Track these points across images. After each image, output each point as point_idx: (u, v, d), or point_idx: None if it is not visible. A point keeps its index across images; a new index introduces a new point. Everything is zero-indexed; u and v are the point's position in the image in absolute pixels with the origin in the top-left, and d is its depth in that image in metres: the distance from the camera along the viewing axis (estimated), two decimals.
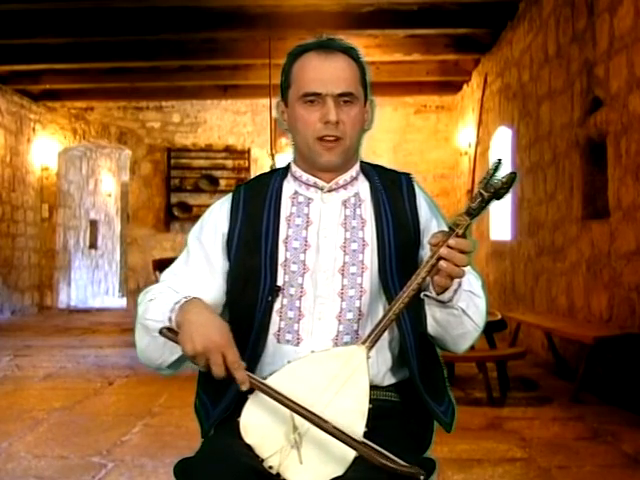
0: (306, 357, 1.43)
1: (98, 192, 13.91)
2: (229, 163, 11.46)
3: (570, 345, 5.61)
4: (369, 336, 1.39)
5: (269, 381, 1.38)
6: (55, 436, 4.06)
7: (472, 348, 1.65)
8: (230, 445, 1.39)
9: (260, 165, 10.87)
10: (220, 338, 1.36)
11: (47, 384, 5.64)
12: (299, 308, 1.54)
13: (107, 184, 14.34)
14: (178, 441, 3.79)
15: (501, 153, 8.14)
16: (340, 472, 1.34)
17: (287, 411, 1.35)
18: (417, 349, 1.55)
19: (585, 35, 5.45)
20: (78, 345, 7.74)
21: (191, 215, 10.95)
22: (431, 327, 1.54)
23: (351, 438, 1.31)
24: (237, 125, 11.51)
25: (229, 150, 11.47)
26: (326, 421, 1.31)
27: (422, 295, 1.47)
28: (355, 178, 1.63)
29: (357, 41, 1.62)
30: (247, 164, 11.35)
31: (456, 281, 1.42)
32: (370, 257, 1.56)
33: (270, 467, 1.35)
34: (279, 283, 1.54)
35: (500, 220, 8.33)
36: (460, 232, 1.35)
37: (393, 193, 1.62)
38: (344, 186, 1.61)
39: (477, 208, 1.36)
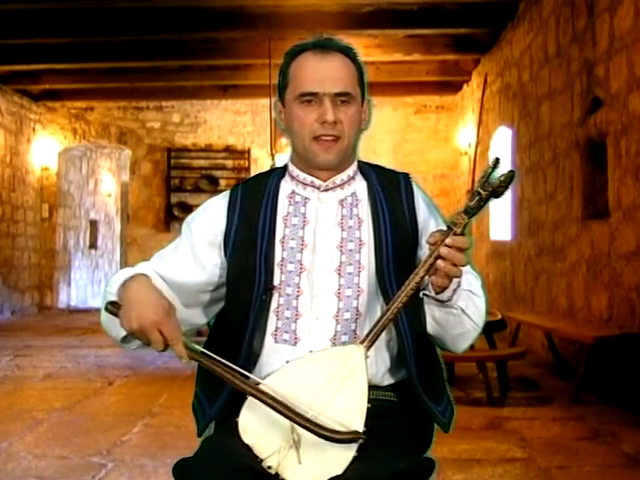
0: (304, 357, 1.43)
1: (98, 192, 13.91)
2: (229, 163, 11.46)
3: (570, 345, 5.61)
4: (367, 335, 1.39)
5: (268, 381, 1.38)
6: (55, 436, 4.06)
7: (472, 348, 1.65)
8: (229, 445, 1.39)
9: (260, 165, 10.87)
10: (154, 315, 1.37)
11: (47, 384, 5.64)
12: (296, 308, 1.54)
13: (107, 184, 14.34)
14: (178, 441, 3.79)
15: (501, 153, 8.13)
16: (339, 472, 1.34)
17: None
18: (415, 349, 1.55)
19: (585, 35, 5.45)
20: (78, 345, 7.73)
21: None
22: (430, 326, 1.54)
23: (288, 408, 1.32)
24: (237, 125, 11.51)
25: (229, 150, 11.47)
26: (263, 392, 1.34)
27: (421, 294, 1.47)
28: (352, 178, 1.63)
29: (357, 41, 1.63)
30: (247, 164, 11.36)
31: (455, 280, 1.42)
32: (367, 257, 1.56)
33: (269, 467, 1.35)
34: (276, 283, 1.54)
35: (500, 220, 8.33)
36: (458, 231, 1.35)
37: (391, 193, 1.62)
38: (341, 185, 1.61)
39: (475, 207, 1.35)
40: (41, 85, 10.22)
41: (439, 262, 1.35)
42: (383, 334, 1.42)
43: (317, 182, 1.60)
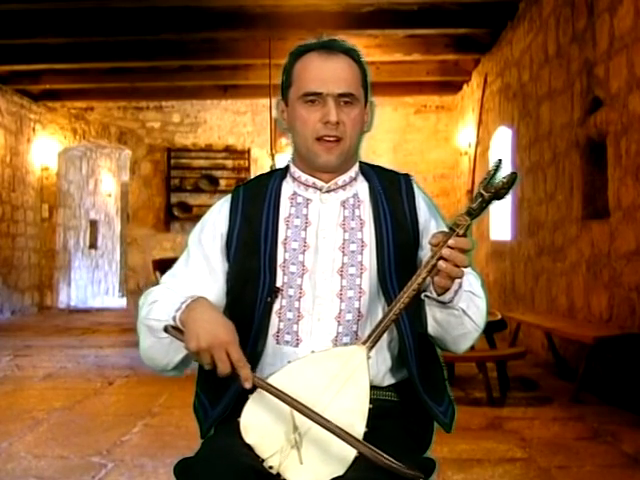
0: (306, 357, 1.44)
1: (98, 192, 13.91)
2: (229, 163, 11.46)
3: (570, 345, 5.61)
4: (370, 336, 1.40)
5: (269, 381, 1.38)
6: (55, 436, 4.06)
7: (472, 348, 1.65)
8: (230, 445, 1.39)
9: (260, 165, 10.87)
10: (225, 335, 1.37)
11: (47, 384, 5.64)
12: (298, 309, 1.54)
13: (107, 184, 14.34)
14: (178, 441, 3.79)
15: (501, 153, 8.14)
16: (340, 472, 1.34)
17: (287, 411, 1.35)
18: (416, 350, 1.55)
19: (585, 35, 5.45)
20: (78, 345, 7.73)
21: (191, 215, 10.95)
22: (431, 327, 1.54)
23: (357, 440, 1.31)
24: (237, 125, 11.51)
25: (229, 150, 11.47)
26: (330, 422, 1.31)
27: (422, 296, 1.47)
28: (354, 179, 1.63)
29: (357, 41, 1.63)
30: (247, 164, 11.35)
31: (457, 282, 1.42)
32: (369, 258, 1.56)
33: (270, 467, 1.35)
34: (278, 284, 1.54)
35: (500, 220, 8.33)
36: (460, 232, 1.35)
37: (392, 194, 1.62)
38: (343, 187, 1.61)
39: (477, 208, 1.36)
40: (41, 85, 10.21)
41: (441, 263, 1.35)
42: (385, 335, 1.43)
43: (319, 183, 1.60)
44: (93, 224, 13.63)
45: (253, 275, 1.55)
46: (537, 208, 6.79)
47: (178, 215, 11.28)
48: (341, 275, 1.55)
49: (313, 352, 1.45)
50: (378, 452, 1.31)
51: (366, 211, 1.60)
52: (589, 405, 4.71)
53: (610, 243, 5.02)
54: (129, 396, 5.19)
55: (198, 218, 1.71)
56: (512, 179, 1.35)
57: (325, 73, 1.53)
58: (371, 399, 1.38)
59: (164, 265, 5.90)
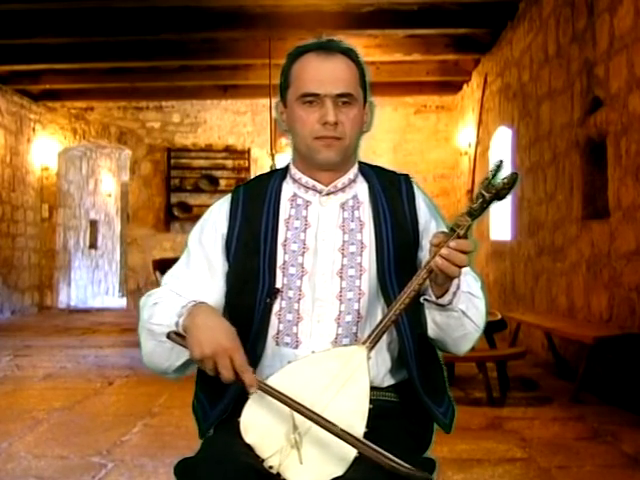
0: (306, 357, 1.44)
1: (98, 192, 13.91)
2: (229, 163, 11.46)
3: (570, 345, 5.61)
4: (370, 336, 1.40)
5: (269, 381, 1.38)
6: (55, 436, 4.06)
7: (472, 349, 1.65)
8: (230, 445, 1.39)
9: (260, 165, 10.88)
10: (228, 342, 1.37)
11: (47, 384, 5.64)
12: (298, 311, 1.54)
13: (107, 184, 14.34)
14: (178, 441, 3.79)
15: (501, 153, 8.14)
16: (340, 472, 1.34)
17: (287, 411, 1.35)
18: (416, 351, 1.55)
19: (585, 35, 5.45)
20: (78, 345, 7.73)
21: (191, 215, 10.95)
22: (431, 330, 1.54)
23: (366, 444, 1.31)
24: (237, 125, 11.51)
25: (229, 150, 11.47)
26: (338, 427, 1.32)
27: (422, 300, 1.47)
28: (353, 180, 1.63)
29: (357, 41, 1.63)
30: (247, 164, 11.35)
31: (455, 283, 1.42)
32: (368, 259, 1.56)
33: (270, 467, 1.36)
34: (278, 285, 1.54)
35: (500, 220, 8.33)
36: (462, 233, 1.35)
37: (392, 194, 1.62)
38: (342, 189, 1.61)
39: (478, 209, 1.36)
40: (41, 85, 10.22)
41: (438, 259, 1.34)
42: (385, 336, 1.43)
43: (319, 186, 1.60)
44: (93, 224, 13.63)
45: (253, 276, 1.55)
46: (537, 208, 6.79)
47: (178, 215, 11.28)
48: (341, 277, 1.55)
49: (313, 352, 1.45)
50: (385, 454, 1.31)
51: (366, 212, 1.60)
52: (589, 405, 4.71)
53: (610, 243, 5.02)
54: (129, 396, 5.19)
55: (198, 218, 1.71)
56: (513, 179, 1.35)
57: (323, 74, 1.53)
58: (371, 399, 1.38)
59: (164, 265, 5.90)
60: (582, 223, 5.57)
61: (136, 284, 11.47)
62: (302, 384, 1.37)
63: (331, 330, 1.53)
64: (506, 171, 1.37)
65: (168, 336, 1.42)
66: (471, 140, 9.73)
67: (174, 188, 11.41)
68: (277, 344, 1.54)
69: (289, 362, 1.42)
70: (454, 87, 10.57)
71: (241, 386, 1.37)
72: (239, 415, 1.39)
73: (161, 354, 1.50)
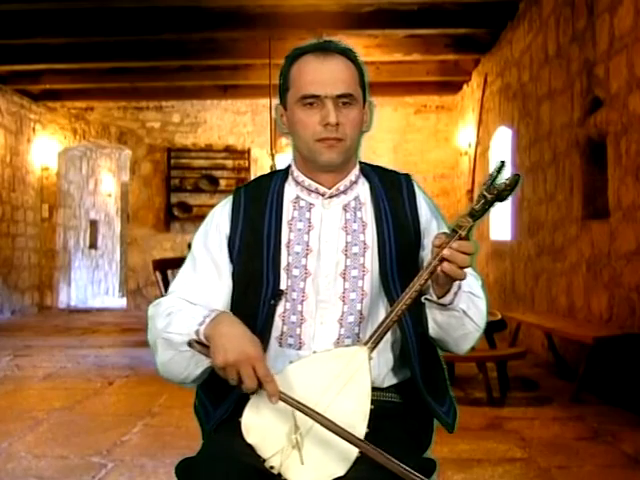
0: (308, 357, 1.44)
1: (98, 192, 13.90)
2: (229, 163, 11.45)
3: (570, 345, 5.61)
4: (371, 337, 1.40)
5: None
6: (55, 436, 4.06)
7: (473, 349, 1.65)
8: (231, 445, 1.39)
9: (260, 165, 10.88)
10: (253, 351, 1.36)
11: (47, 384, 5.63)
12: (301, 312, 1.54)
13: (107, 184, 14.33)
14: (178, 441, 3.79)
15: (501, 153, 8.15)
16: (341, 472, 1.34)
17: (289, 411, 1.35)
18: (419, 350, 1.55)
19: (585, 35, 5.45)
20: (78, 345, 7.73)
21: (191, 215, 10.95)
22: (432, 329, 1.54)
23: (373, 447, 1.31)
24: (237, 125, 11.51)
25: (229, 150, 11.47)
26: (352, 434, 1.32)
27: (423, 299, 1.47)
28: (355, 182, 1.63)
29: (357, 41, 1.62)
30: (247, 164, 11.35)
31: (456, 283, 1.43)
32: (371, 260, 1.56)
33: (271, 467, 1.36)
34: (282, 287, 1.54)
35: (500, 220, 8.33)
36: (463, 234, 1.35)
37: (393, 194, 1.62)
38: (344, 191, 1.61)
39: (480, 210, 1.36)
40: (41, 85, 10.21)
41: (444, 264, 1.35)
42: (387, 335, 1.43)
43: (322, 189, 1.60)
44: (93, 224, 13.63)
45: (256, 277, 1.55)
46: (537, 208, 6.79)
47: (178, 215, 11.28)
48: (344, 278, 1.55)
49: (315, 352, 1.45)
50: (389, 458, 1.31)
51: (368, 213, 1.60)
52: (589, 405, 4.71)
53: (610, 243, 5.02)
54: (129, 396, 5.19)
55: (198, 218, 1.71)
56: (515, 181, 1.35)
57: (322, 75, 1.53)
58: (372, 400, 1.38)
59: (164, 265, 5.90)
60: (582, 223, 5.57)
61: (136, 284, 11.48)
62: (303, 384, 1.37)
63: (334, 331, 1.53)
64: (508, 172, 1.37)
65: (189, 344, 1.41)
66: (471, 140, 9.73)
67: (174, 188, 11.41)
68: (280, 345, 1.54)
69: (291, 361, 1.42)
70: (454, 87, 10.57)
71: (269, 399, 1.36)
72: (240, 415, 1.40)
73: (180, 363, 1.48)
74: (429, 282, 1.40)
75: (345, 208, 1.60)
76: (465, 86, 10.31)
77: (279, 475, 1.36)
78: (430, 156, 11.29)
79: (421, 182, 1.69)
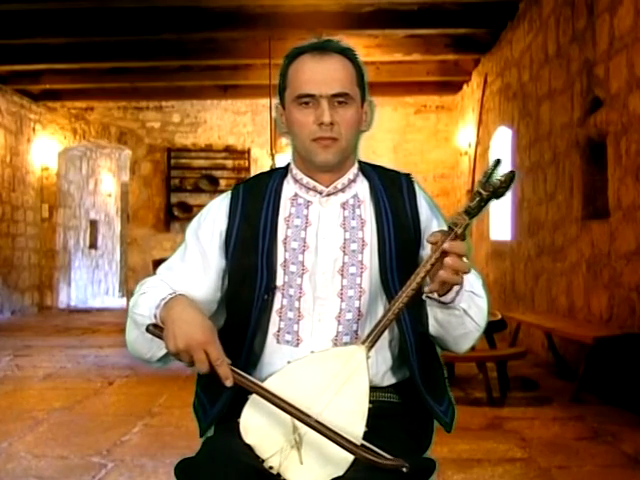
0: (306, 357, 1.43)
1: (98, 192, 13.91)
2: (229, 163, 11.46)
3: (570, 345, 5.61)
4: (369, 336, 1.40)
5: (269, 382, 1.38)
6: (55, 436, 4.06)
7: (472, 348, 1.65)
8: (230, 445, 1.39)
9: (260, 165, 10.87)
10: (202, 336, 1.38)
11: (47, 384, 5.64)
12: (298, 309, 1.54)
13: (107, 184, 14.33)
14: (178, 441, 3.79)
15: (501, 153, 8.14)
16: (340, 473, 1.34)
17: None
18: (417, 349, 1.55)
19: (585, 35, 5.45)
20: (78, 345, 7.73)
21: (191, 215, 10.91)
22: (432, 328, 1.54)
23: (332, 431, 1.31)
24: (237, 125, 11.51)
25: (229, 150, 11.47)
26: (309, 415, 1.33)
27: (424, 297, 1.47)
28: (353, 180, 1.63)
29: (357, 41, 1.62)
30: (247, 164, 11.36)
31: None
32: (369, 257, 1.56)
33: (270, 467, 1.36)
34: (279, 283, 1.55)
35: (500, 220, 8.33)
36: (459, 231, 1.35)
37: (393, 193, 1.62)
38: (342, 189, 1.61)
39: (476, 207, 1.36)
40: (41, 85, 10.21)
41: (440, 273, 1.34)
42: (385, 334, 1.43)
43: (319, 187, 1.60)
44: (93, 224, 13.63)
45: (251, 273, 1.55)
46: (537, 208, 6.79)
47: (178, 215, 11.28)
48: (342, 275, 1.55)
49: (312, 352, 1.45)
50: (357, 445, 1.31)
51: (367, 210, 1.60)
52: (589, 405, 4.71)
53: (610, 243, 5.01)
54: (129, 396, 5.18)
55: None
56: (510, 178, 1.35)
57: (317, 74, 1.53)
58: (371, 399, 1.38)
59: None
60: (582, 223, 5.57)
61: (136, 284, 11.39)
62: (301, 384, 1.37)
63: (332, 328, 1.53)
64: (504, 169, 1.37)
65: (147, 329, 1.45)
66: (471, 140, 9.73)
67: (174, 188, 11.41)
68: (278, 342, 1.55)
69: (288, 362, 1.42)
70: (454, 87, 10.57)
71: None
72: (239, 415, 1.39)
73: (143, 344, 1.52)
74: (428, 280, 1.40)
75: (343, 206, 1.60)
76: (465, 86, 10.31)
77: (278, 475, 1.35)
78: (430, 156, 11.29)
79: (421, 182, 1.69)
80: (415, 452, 1.52)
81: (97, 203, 13.87)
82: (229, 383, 1.37)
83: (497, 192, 1.35)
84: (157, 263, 7.09)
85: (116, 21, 7.52)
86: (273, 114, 1.69)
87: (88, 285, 13.31)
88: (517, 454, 3.69)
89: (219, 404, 1.53)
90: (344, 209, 1.60)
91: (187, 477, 1.42)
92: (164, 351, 1.48)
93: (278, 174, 1.66)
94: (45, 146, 11.35)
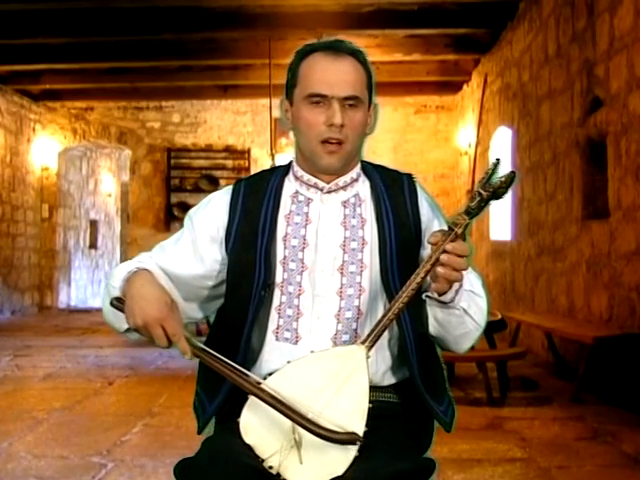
0: (306, 357, 1.43)
1: (98, 192, 13.91)
2: (229, 163, 11.46)
3: (570, 345, 5.61)
4: (369, 336, 1.40)
5: (269, 381, 1.38)
6: (55, 436, 4.06)
7: (472, 348, 1.65)
8: (230, 445, 1.39)
9: (260, 165, 10.87)
10: (157, 312, 1.40)
11: (47, 384, 5.63)
12: (297, 306, 1.55)
13: (107, 184, 14.34)
14: (178, 441, 3.79)
15: (501, 153, 8.14)
16: (340, 472, 1.34)
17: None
18: (417, 348, 1.55)
19: (585, 35, 5.45)
20: (78, 345, 7.73)
21: None
22: (432, 327, 1.54)
23: (287, 407, 1.33)
24: (237, 125, 11.52)
25: (229, 150, 11.47)
26: (263, 390, 1.35)
27: (424, 296, 1.47)
28: (355, 180, 1.63)
29: (357, 41, 1.62)
30: (247, 164, 11.36)
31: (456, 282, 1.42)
32: (369, 256, 1.56)
33: (270, 467, 1.36)
34: (278, 280, 1.55)
35: (500, 220, 8.33)
36: (459, 231, 1.35)
37: (394, 193, 1.62)
38: (344, 187, 1.61)
39: (476, 208, 1.36)
40: (41, 85, 10.21)
41: (439, 269, 1.35)
42: (385, 333, 1.43)
43: (320, 184, 1.60)
44: (93, 224, 13.63)
45: (249, 269, 1.56)
46: (537, 208, 6.79)
47: (178, 215, 11.27)
48: (341, 273, 1.55)
49: (312, 352, 1.45)
50: (312, 422, 1.32)
51: (367, 209, 1.60)
52: (589, 405, 4.71)
53: (610, 243, 5.01)
54: (129, 396, 5.18)
55: None
56: (510, 178, 1.35)
57: (331, 75, 1.53)
58: (370, 399, 1.38)
59: None
60: (582, 223, 5.57)
61: None
62: (301, 384, 1.37)
63: (331, 326, 1.53)
64: (504, 170, 1.37)
65: (111, 303, 1.47)
66: (471, 140, 9.73)
67: (174, 188, 11.42)
68: (277, 339, 1.55)
69: (288, 362, 1.42)
70: (454, 87, 10.57)
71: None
72: (239, 415, 1.39)
73: (112, 316, 1.53)
74: (428, 280, 1.40)
75: (344, 204, 1.60)
76: (465, 86, 10.31)
77: (278, 475, 1.35)
78: (430, 156, 11.29)
79: (421, 182, 1.69)
80: (415, 452, 1.52)
81: (97, 203, 13.87)
82: (187, 357, 1.39)
83: (497, 193, 1.35)
84: None
85: (116, 21, 7.51)
86: (277, 111, 1.69)
87: (88, 285, 13.31)
88: (517, 454, 3.69)
89: (217, 400, 1.54)
90: (345, 207, 1.60)
91: (187, 477, 1.42)
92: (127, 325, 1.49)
93: (280, 171, 1.67)
94: (45, 146, 11.35)
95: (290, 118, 1.61)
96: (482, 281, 1.57)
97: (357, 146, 1.59)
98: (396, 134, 11.16)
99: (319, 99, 1.53)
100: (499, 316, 5.26)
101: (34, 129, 11.21)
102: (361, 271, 1.55)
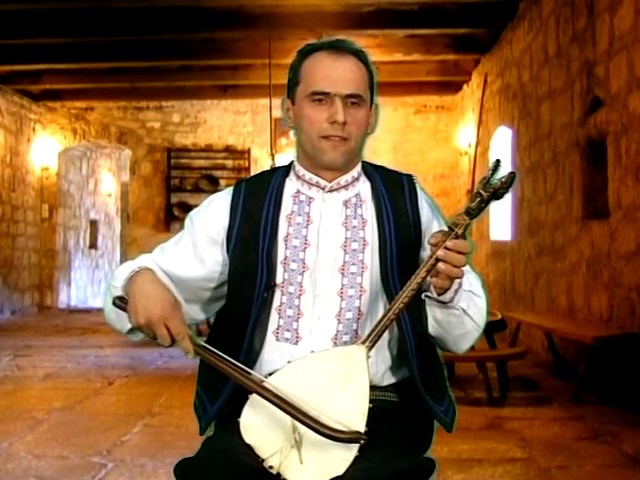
0: (306, 357, 1.44)
1: (98, 192, 13.91)
2: (229, 163, 11.46)
3: (570, 345, 5.61)
4: (369, 336, 1.40)
5: (269, 381, 1.38)
6: (55, 436, 4.06)
7: (472, 348, 1.65)
8: (230, 445, 1.39)
9: (260, 165, 10.88)
10: (161, 310, 1.39)
11: (47, 384, 5.63)
12: (298, 307, 1.55)
13: (107, 184, 14.34)
14: (178, 441, 3.79)
15: (501, 153, 8.14)
16: (340, 472, 1.34)
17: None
18: (417, 349, 1.55)
19: (585, 35, 5.45)
20: (78, 345, 7.73)
21: None
22: (432, 327, 1.54)
23: (290, 405, 1.32)
24: (237, 125, 11.52)
25: (229, 150, 11.48)
26: (267, 389, 1.34)
27: (423, 296, 1.47)
28: (356, 179, 1.63)
29: (357, 41, 1.62)
30: (247, 164, 11.36)
31: (456, 281, 1.43)
32: (370, 257, 1.56)
33: (270, 467, 1.36)
34: (279, 280, 1.55)
35: (500, 220, 8.33)
36: (460, 232, 1.35)
37: (395, 193, 1.62)
38: (345, 187, 1.62)
39: (476, 208, 1.36)
40: (41, 85, 10.21)
41: (440, 264, 1.35)
42: (385, 334, 1.43)
43: (322, 182, 1.61)
44: (93, 224, 13.64)
45: (251, 270, 1.56)
46: (537, 208, 6.79)
47: (178, 215, 11.27)
48: (342, 273, 1.55)
49: (313, 352, 1.45)
50: (316, 421, 1.32)
51: (368, 210, 1.60)
52: (589, 405, 4.71)
53: (610, 243, 5.02)
54: (129, 396, 5.18)
55: None
56: (511, 179, 1.35)
57: (334, 73, 1.54)
58: (371, 399, 1.38)
59: None
60: (582, 223, 5.57)
61: None
62: (301, 384, 1.37)
63: (331, 327, 1.53)
64: (504, 170, 1.37)
65: (113, 302, 1.47)
66: (471, 140, 9.73)
67: (174, 188, 11.42)
68: (277, 339, 1.55)
69: (288, 362, 1.42)
70: (454, 87, 10.57)
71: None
72: (239, 415, 1.40)
73: (114, 316, 1.54)
74: (428, 280, 1.40)
75: (346, 204, 1.60)
76: (465, 86, 10.31)
77: (278, 475, 1.36)
78: (430, 156, 11.29)
79: (421, 182, 1.69)
80: (415, 452, 1.52)
81: (97, 203, 13.87)
82: (190, 356, 1.39)
83: (497, 193, 1.36)
84: None
85: (116, 21, 7.51)
86: (276, 111, 1.69)
87: (88, 285, 13.31)
88: (517, 454, 3.69)
89: (219, 402, 1.54)
90: (346, 207, 1.60)
91: (187, 477, 1.42)
92: (130, 325, 1.49)
93: (281, 172, 1.67)
94: (45, 146, 11.35)
95: (292, 117, 1.62)
96: (482, 281, 1.57)
97: (359, 144, 1.59)
98: (396, 134, 11.16)
99: (322, 97, 1.53)
100: (499, 316, 5.26)
101: (34, 129, 11.21)
102: (362, 272, 1.55)
